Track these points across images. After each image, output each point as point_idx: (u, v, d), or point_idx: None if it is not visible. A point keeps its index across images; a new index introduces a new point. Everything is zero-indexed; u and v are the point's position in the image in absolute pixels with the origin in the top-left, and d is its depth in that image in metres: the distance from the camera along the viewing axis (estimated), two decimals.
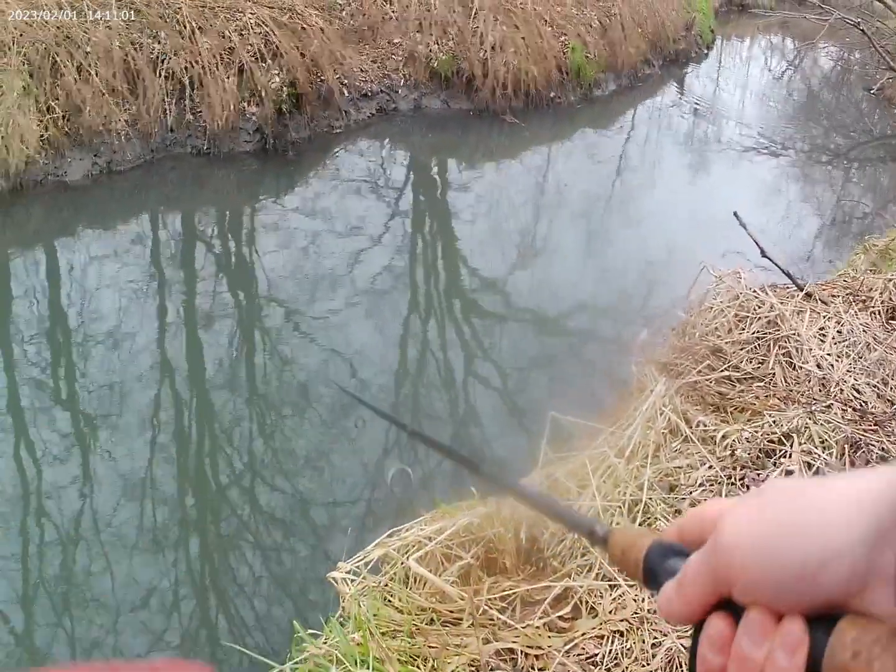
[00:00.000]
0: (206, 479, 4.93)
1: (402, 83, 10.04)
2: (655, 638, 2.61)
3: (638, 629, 2.65)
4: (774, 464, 3.44)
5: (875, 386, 4.04)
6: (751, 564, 0.51)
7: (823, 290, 4.86)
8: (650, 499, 3.23)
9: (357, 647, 2.38)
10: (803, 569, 0.49)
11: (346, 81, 9.48)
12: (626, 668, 2.53)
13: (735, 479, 3.39)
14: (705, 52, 14.77)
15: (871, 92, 13.10)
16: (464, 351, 6.04)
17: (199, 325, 6.17)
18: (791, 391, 3.99)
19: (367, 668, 2.32)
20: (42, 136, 7.49)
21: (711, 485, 3.36)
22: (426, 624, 2.59)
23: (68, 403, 5.43)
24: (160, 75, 8.13)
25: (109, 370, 5.62)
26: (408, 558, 2.73)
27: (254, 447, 5.08)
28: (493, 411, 5.38)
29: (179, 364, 5.73)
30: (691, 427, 3.88)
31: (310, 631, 2.55)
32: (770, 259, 4.95)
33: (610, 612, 2.71)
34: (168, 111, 8.15)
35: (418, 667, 2.43)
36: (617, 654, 2.57)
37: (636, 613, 2.69)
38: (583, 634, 2.68)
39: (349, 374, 5.60)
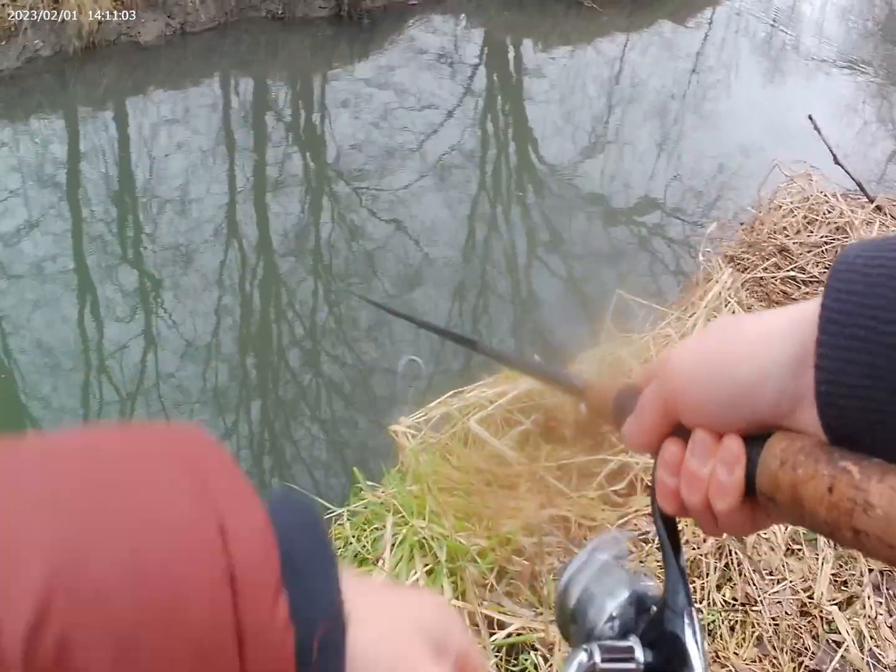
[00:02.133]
0: (268, 342, 4.99)
1: None
2: None
3: None
4: None
5: None
6: (691, 389, 0.55)
7: (893, 205, 4.72)
8: None
9: (415, 500, 2.41)
10: (736, 390, 0.53)
11: None
12: None
13: None
14: None
15: None
16: (531, 234, 5.97)
17: (267, 191, 6.16)
18: None
19: (424, 519, 2.35)
20: None
21: None
22: (483, 485, 2.61)
23: (134, 264, 5.49)
24: None
25: (176, 232, 5.66)
26: (468, 419, 2.75)
27: (317, 314, 5.11)
28: (557, 294, 5.35)
29: (246, 229, 5.74)
30: None
31: (369, 483, 2.59)
32: (842, 166, 4.79)
33: None
34: None
35: (473, 524, 2.45)
36: None
37: None
38: (636, 511, 2.69)
39: (415, 248, 5.58)
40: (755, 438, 0.53)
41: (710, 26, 10.56)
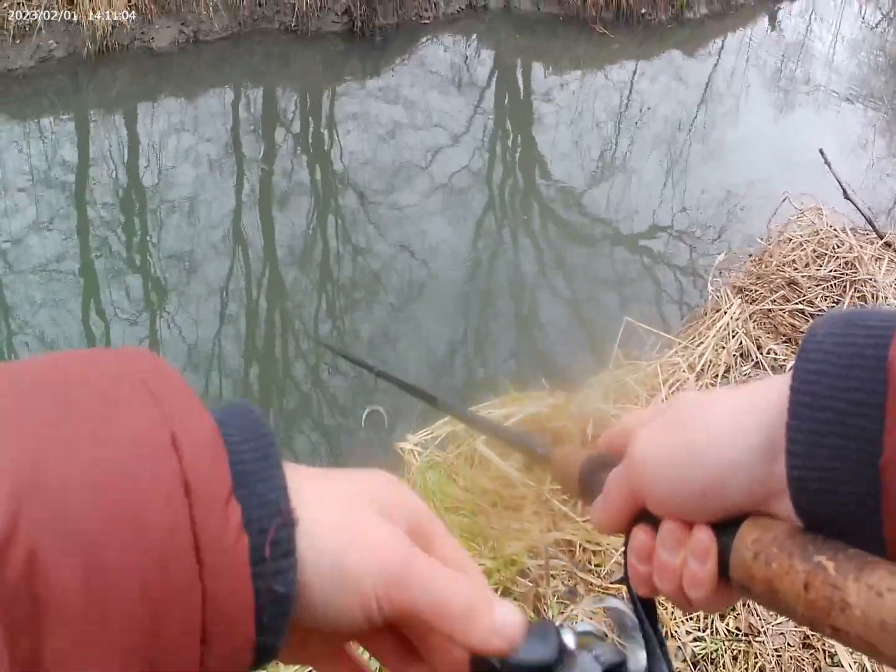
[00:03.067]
0: (272, 352, 4.98)
1: None
2: None
3: None
4: None
5: None
6: (658, 480, 0.54)
7: None
8: None
9: None
10: (705, 483, 0.51)
11: None
12: None
13: None
14: None
15: None
16: (536, 257, 5.97)
17: (274, 202, 6.18)
18: None
19: None
20: (130, 0, 7.43)
21: None
22: (489, 506, 2.61)
23: (140, 269, 5.49)
24: None
25: (183, 239, 5.66)
26: (475, 439, 2.74)
27: (321, 327, 5.11)
28: (561, 318, 5.35)
29: (252, 239, 5.75)
30: (762, 353, 3.85)
31: None
32: (852, 202, 4.79)
33: None
34: None
35: (479, 545, 2.45)
36: None
37: None
38: None
39: (420, 265, 5.58)
40: (727, 525, 0.52)
41: (720, 57, 10.62)
